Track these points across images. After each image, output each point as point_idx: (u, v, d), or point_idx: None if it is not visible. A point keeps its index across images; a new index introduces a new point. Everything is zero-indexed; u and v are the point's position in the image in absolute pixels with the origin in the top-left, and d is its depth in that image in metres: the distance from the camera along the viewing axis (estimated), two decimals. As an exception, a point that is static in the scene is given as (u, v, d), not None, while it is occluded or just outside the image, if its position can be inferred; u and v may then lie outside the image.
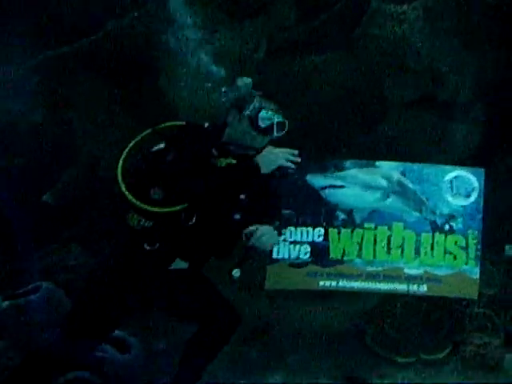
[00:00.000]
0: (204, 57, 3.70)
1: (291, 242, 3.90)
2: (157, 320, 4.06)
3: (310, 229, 3.89)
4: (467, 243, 3.86)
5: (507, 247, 5.44)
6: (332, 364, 4.16)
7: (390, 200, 3.94)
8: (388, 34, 3.96)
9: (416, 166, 3.93)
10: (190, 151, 2.56)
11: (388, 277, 3.87)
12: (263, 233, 2.63)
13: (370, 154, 4.09)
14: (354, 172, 3.85)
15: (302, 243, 3.89)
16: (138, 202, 2.51)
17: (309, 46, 4.24)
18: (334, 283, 3.88)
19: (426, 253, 3.87)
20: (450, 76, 4.11)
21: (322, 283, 3.87)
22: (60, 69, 4.16)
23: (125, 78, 4.05)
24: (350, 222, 3.89)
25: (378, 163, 3.85)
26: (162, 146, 2.63)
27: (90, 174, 4.45)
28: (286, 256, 3.90)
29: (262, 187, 2.82)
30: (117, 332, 3.66)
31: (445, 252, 3.87)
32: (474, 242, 3.86)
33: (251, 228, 2.65)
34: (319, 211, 3.88)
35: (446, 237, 3.88)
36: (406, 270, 3.88)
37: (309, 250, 3.90)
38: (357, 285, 3.89)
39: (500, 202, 4.41)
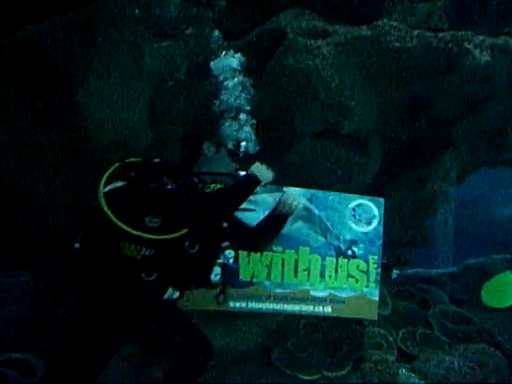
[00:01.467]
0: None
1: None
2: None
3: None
4: (368, 267, 4.14)
5: (393, 272, 5.88)
6: (240, 380, 4.19)
7: (297, 225, 4.11)
8: (302, 66, 4.13)
9: (321, 193, 4.16)
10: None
11: (295, 299, 4.05)
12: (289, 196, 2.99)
13: (278, 180, 4.25)
14: (265, 196, 3.96)
15: (213, 265, 3.95)
16: (135, 232, 2.40)
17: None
18: (243, 304, 3.99)
19: (330, 276, 4.09)
20: (355, 110, 4.35)
21: (232, 304, 3.96)
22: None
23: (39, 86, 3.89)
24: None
25: (285, 189, 3.97)
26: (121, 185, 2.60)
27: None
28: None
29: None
30: (19, 355, 3.53)
31: (348, 275, 4.12)
32: (374, 266, 4.15)
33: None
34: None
35: (348, 261, 4.13)
36: (312, 292, 4.08)
37: (219, 271, 3.97)
38: (266, 306, 4.03)
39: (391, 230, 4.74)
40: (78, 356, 2.51)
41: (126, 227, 2.40)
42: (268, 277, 4.03)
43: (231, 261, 4.12)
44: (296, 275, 4.07)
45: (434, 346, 4.80)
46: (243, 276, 3.98)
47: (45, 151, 3.98)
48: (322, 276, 4.08)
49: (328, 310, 4.10)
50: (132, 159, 2.70)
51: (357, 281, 4.13)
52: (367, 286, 4.14)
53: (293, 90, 4.25)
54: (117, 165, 2.66)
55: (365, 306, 4.14)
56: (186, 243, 2.55)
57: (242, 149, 2.80)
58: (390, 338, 4.69)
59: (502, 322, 5.70)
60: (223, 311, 4.05)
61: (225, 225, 2.77)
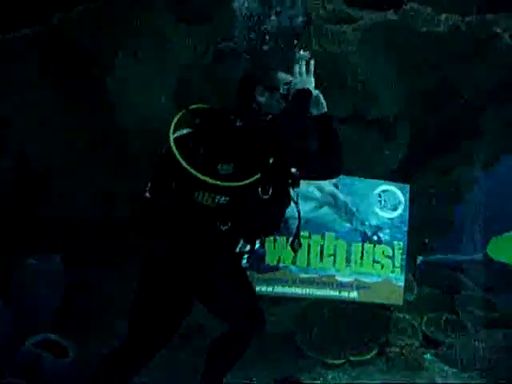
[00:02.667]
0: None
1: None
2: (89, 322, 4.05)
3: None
4: (393, 253, 4.17)
5: (419, 258, 5.86)
6: (265, 366, 4.26)
7: (322, 210, 4.14)
8: (328, 52, 4.09)
9: (348, 179, 4.17)
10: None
11: (321, 283, 4.09)
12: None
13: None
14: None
15: (239, 250, 4.01)
16: (210, 179, 2.36)
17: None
18: (269, 289, 4.05)
19: (356, 261, 4.13)
20: (382, 96, 4.33)
21: (258, 288, 4.00)
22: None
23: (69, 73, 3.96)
24: (286, 230, 4.06)
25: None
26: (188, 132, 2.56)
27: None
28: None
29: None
30: (51, 335, 3.64)
31: (373, 261, 4.15)
32: (400, 252, 4.17)
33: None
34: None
35: (374, 247, 4.16)
36: (338, 278, 4.12)
37: (246, 256, 4.03)
38: (291, 290, 4.08)
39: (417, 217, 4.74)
40: (152, 310, 2.51)
41: (199, 175, 2.37)
42: (294, 261, 4.07)
43: (257, 245, 4.21)
44: (322, 260, 4.11)
45: (458, 331, 4.83)
46: (269, 260, 4.03)
47: (75, 137, 4.06)
48: (348, 261, 4.12)
49: (354, 295, 4.14)
50: (195, 106, 2.67)
51: (382, 266, 4.15)
52: (393, 272, 4.17)
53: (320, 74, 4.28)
54: (181, 113, 2.62)
55: (390, 291, 4.17)
56: (259, 189, 2.47)
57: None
58: (415, 324, 4.73)
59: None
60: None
61: (293, 170, 2.64)
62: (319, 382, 4.24)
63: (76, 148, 4.12)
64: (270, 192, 2.50)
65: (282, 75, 2.74)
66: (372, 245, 4.15)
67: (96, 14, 3.77)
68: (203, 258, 2.49)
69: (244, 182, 2.39)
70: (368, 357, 4.44)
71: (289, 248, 4.03)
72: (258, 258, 4.07)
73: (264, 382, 4.16)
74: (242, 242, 2.55)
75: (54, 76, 3.98)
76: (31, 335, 3.59)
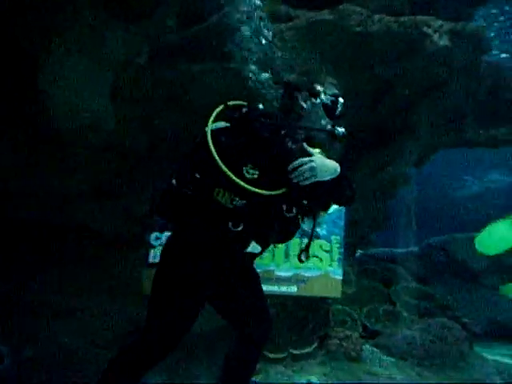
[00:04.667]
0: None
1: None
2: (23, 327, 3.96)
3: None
4: (331, 247, 4.26)
5: (357, 251, 6.03)
6: (210, 363, 4.27)
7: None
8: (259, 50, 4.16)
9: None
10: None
11: (260, 279, 4.11)
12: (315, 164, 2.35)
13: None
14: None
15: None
16: (235, 178, 2.28)
17: (188, 54, 4.34)
18: (209, 286, 4.05)
19: (294, 256, 4.17)
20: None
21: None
22: None
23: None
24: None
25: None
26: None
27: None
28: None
29: None
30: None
31: (312, 255, 4.22)
32: (337, 246, 4.26)
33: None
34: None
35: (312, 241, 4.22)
36: (277, 272, 4.18)
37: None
38: (232, 287, 4.10)
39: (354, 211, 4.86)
40: (168, 300, 2.43)
41: (227, 170, 2.28)
42: (234, 258, 4.10)
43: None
44: (261, 256, 4.14)
45: (396, 321, 4.99)
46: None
47: (6, 134, 3.96)
48: (287, 256, 4.19)
49: (293, 289, 4.20)
50: (234, 102, 2.57)
51: (321, 260, 4.24)
52: (331, 266, 4.26)
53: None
54: (221, 107, 2.52)
55: (329, 284, 4.25)
56: (284, 206, 2.41)
57: (339, 106, 2.62)
58: (355, 315, 4.86)
59: (462, 298, 5.93)
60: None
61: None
62: (261, 376, 4.26)
63: (10, 146, 4.02)
64: (294, 212, 2.43)
65: (326, 85, 2.65)
66: (310, 240, 4.23)
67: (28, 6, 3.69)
68: (212, 253, 2.44)
69: (271, 193, 2.32)
70: (309, 350, 4.51)
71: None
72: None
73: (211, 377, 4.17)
74: (253, 243, 2.46)
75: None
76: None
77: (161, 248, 3.96)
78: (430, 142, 5.30)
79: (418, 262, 6.14)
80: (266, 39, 4.20)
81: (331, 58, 4.31)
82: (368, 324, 4.91)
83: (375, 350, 4.77)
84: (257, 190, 2.29)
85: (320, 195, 2.47)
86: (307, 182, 2.31)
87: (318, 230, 4.24)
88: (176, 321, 2.45)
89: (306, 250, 2.66)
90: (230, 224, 2.35)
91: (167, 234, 4.01)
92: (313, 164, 2.31)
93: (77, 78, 3.73)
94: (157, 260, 3.96)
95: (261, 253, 2.55)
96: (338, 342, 4.57)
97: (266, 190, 2.31)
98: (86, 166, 4.02)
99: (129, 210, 4.22)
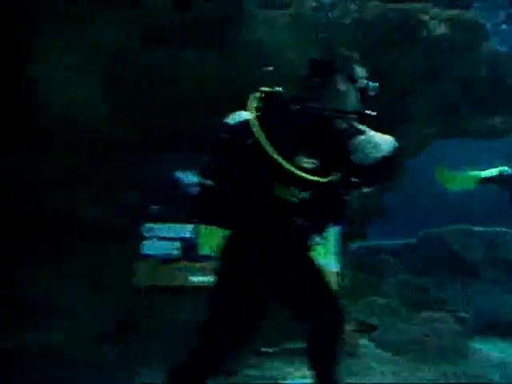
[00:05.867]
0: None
1: (161, 238, 3.93)
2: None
3: (180, 225, 3.95)
4: (327, 239, 4.18)
5: (353, 243, 5.96)
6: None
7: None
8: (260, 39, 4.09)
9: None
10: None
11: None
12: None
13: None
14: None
15: (172, 239, 3.94)
16: (296, 171, 2.13)
17: (183, 42, 4.25)
18: (204, 278, 3.98)
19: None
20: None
21: (192, 278, 3.95)
22: None
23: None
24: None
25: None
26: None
27: None
28: (156, 252, 3.92)
29: None
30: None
31: (307, 248, 4.15)
32: (334, 238, 4.20)
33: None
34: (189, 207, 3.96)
35: (307, 233, 4.16)
36: (273, 265, 4.09)
37: (179, 246, 3.96)
38: (226, 279, 4.02)
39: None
40: (225, 310, 2.35)
41: (287, 164, 2.14)
42: (226, 251, 4.02)
43: (188, 235, 4.14)
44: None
45: (392, 315, 4.93)
46: (203, 250, 3.97)
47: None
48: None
49: (289, 282, 4.14)
50: (265, 88, 2.35)
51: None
52: (327, 258, 4.19)
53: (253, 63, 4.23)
54: (257, 95, 2.32)
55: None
56: (341, 189, 2.29)
57: (371, 89, 2.49)
58: (350, 309, 4.79)
59: (459, 291, 5.89)
60: (185, 286, 4.03)
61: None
62: (255, 370, 4.21)
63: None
64: (353, 193, 2.33)
65: (359, 69, 2.54)
66: (306, 231, 4.17)
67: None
68: (275, 251, 2.31)
69: (329, 179, 2.19)
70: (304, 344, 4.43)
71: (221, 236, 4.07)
72: (191, 247, 4.07)
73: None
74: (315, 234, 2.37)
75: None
76: None
77: (154, 240, 3.98)
78: (425, 132, 5.22)
79: (414, 254, 6.09)
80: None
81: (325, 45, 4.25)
82: (363, 318, 4.85)
83: (371, 344, 4.72)
84: (320, 179, 2.15)
85: (380, 171, 2.27)
86: (371, 160, 2.16)
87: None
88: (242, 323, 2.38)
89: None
90: (295, 218, 2.23)
91: (160, 224, 3.95)
92: (375, 139, 2.19)
93: (66, 64, 3.67)
94: (151, 252, 3.96)
95: (318, 243, 2.42)
96: (334, 335, 4.49)
97: (325, 177, 2.17)
98: (72, 153, 3.94)
99: (117, 200, 4.13)
